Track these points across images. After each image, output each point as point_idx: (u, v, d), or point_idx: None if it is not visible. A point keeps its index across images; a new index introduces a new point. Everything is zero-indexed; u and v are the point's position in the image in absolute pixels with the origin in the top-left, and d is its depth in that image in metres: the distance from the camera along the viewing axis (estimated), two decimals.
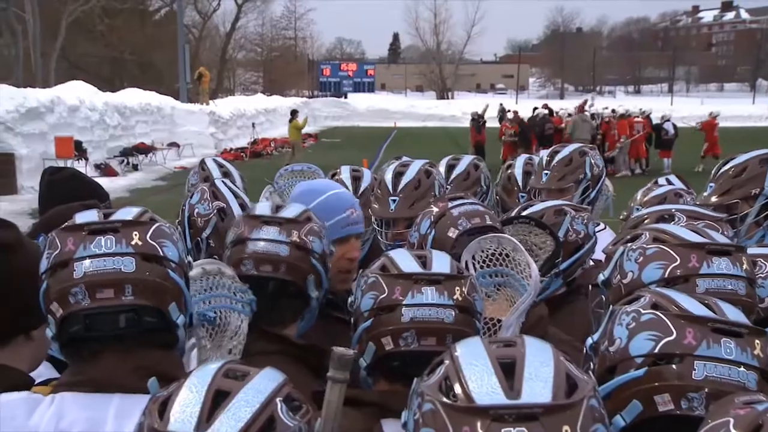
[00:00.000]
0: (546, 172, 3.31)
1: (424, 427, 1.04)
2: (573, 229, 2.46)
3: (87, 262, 1.42)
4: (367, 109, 51.88)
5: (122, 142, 22.89)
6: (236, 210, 2.70)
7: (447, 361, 1.11)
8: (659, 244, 1.70)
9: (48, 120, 18.74)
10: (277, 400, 1.10)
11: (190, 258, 1.60)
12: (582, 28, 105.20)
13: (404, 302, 1.58)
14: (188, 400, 1.08)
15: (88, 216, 1.50)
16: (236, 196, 2.80)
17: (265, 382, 1.13)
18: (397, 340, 1.58)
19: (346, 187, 2.99)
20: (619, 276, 1.73)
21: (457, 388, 1.05)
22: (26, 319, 1.67)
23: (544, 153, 3.54)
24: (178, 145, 25.59)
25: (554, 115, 24.56)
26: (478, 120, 23.33)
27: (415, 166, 2.89)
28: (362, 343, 1.64)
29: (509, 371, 1.06)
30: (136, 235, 1.45)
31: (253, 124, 32.36)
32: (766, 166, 2.63)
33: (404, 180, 2.82)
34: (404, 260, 1.67)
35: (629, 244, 1.76)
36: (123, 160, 22.08)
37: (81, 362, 1.47)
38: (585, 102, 25.53)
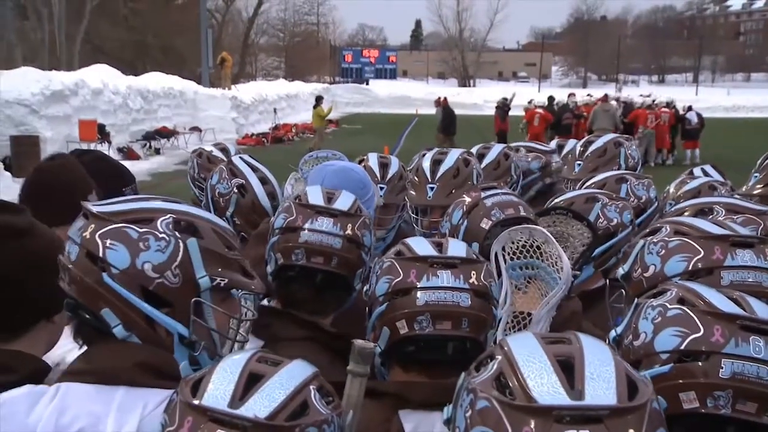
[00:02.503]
0: (579, 162, 3.24)
1: (479, 425, 0.98)
2: (604, 217, 2.41)
3: (67, 242, 1.46)
4: (389, 95, 51.71)
5: (145, 126, 23.00)
6: (255, 184, 2.70)
7: (499, 356, 1.05)
8: (681, 237, 1.68)
9: (72, 103, 18.86)
10: (311, 387, 1.11)
11: (205, 275, 1.42)
12: (606, 16, 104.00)
13: (419, 285, 1.56)
14: (222, 379, 1.08)
15: (120, 199, 1.49)
16: (255, 170, 2.78)
17: (299, 369, 1.13)
18: (411, 324, 1.55)
19: (374, 174, 2.98)
20: (640, 269, 1.71)
21: (515, 386, 0.99)
22: (48, 303, 1.64)
23: (570, 142, 3.49)
24: (200, 130, 25.66)
25: (576, 105, 24.07)
26: (503, 108, 23.15)
27: (454, 154, 2.88)
28: (377, 328, 1.62)
29: (568, 369, 1.00)
30: (90, 227, 1.40)
31: (275, 110, 32.39)
32: None
33: (443, 168, 2.80)
34: (420, 245, 1.65)
35: (649, 237, 1.74)
36: (145, 144, 22.20)
37: (88, 347, 1.46)
38: (606, 96, 24.94)
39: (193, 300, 1.42)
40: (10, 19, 30.49)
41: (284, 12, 73.33)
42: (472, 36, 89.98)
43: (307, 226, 1.96)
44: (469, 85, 76.20)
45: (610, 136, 3.44)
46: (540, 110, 22.22)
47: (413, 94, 52.95)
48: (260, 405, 1.04)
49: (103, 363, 1.41)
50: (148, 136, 22.59)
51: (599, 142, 3.31)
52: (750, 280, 1.60)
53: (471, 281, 1.56)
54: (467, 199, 2.21)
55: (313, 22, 79.16)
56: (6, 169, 14.62)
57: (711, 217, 2.10)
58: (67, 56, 34.31)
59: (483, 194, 2.20)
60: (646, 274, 1.69)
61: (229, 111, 28.26)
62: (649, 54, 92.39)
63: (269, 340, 1.90)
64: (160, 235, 1.40)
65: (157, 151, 22.30)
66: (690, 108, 23.03)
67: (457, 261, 1.59)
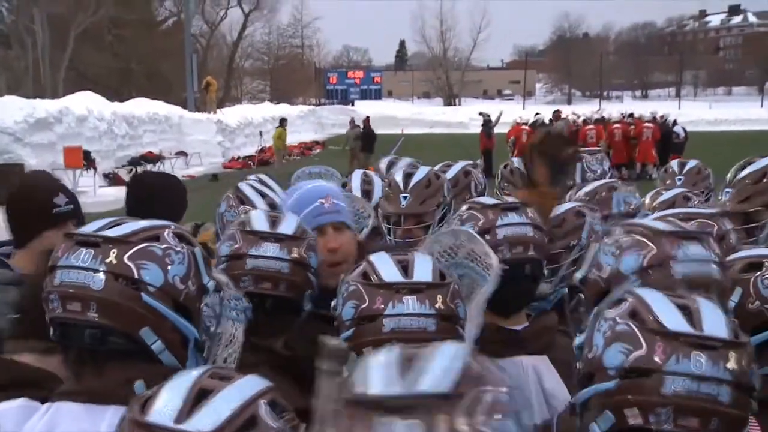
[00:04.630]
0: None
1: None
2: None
3: (65, 271, 1.41)
4: (374, 116, 51.80)
5: (130, 152, 22.99)
6: (263, 209, 2.66)
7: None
8: (632, 235, 1.74)
9: (56, 130, 18.85)
10: (261, 401, 1.09)
11: (210, 279, 1.53)
12: (588, 33, 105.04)
13: (385, 312, 1.56)
14: (171, 396, 1.08)
15: (97, 224, 1.48)
16: (263, 195, 2.75)
17: (249, 383, 1.12)
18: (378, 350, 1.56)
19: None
20: (596, 270, 1.75)
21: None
22: None
23: None
24: (185, 154, 25.69)
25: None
26: (487, 125, 23.28)
27: (424, 169, 2.91)
28: None
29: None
30: (113, 253, 1.41)
31: (261, 133, 32.46)
32: None
33: (415, 178, 2.81)
34: (385, 267, 1.65)
35: (604, 239, 1.81)
36: (131, 170, 22.12)
37: (79, 370, 1.46)
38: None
39: (202, 305, 1.50)
40: None
41: (268, 35, 73.67)
42: (456, 55, 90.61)
43: (252, 252, 1.95)
44: (455, 104, 76.59)
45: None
46: (525, 127, 22.45)
47: (399, 114, 53.21)
48: (206, 420, 1.03)
49: (93, 383, 1.42)
50: (134, 162, 22.54)
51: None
52: (703, 270, 1.66)
53: (437, 306, 1.57)
54: (481, 218, 2.07)
55: (297, 45, 79.53)
56: None
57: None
58: (52, 84, 34.30)
59: (500, 220, 2.06)
60: (603, 275, 1.73)
61: (215, 135, 28.28)
62: (631, 70, 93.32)
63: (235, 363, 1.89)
64: (177, 249, 1.46)
65: None
66: (675, 122, 23.21)
67: (423, 286, 1.59)
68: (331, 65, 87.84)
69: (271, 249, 1.95)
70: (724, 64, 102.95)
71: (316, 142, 36.61)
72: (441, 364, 0.98)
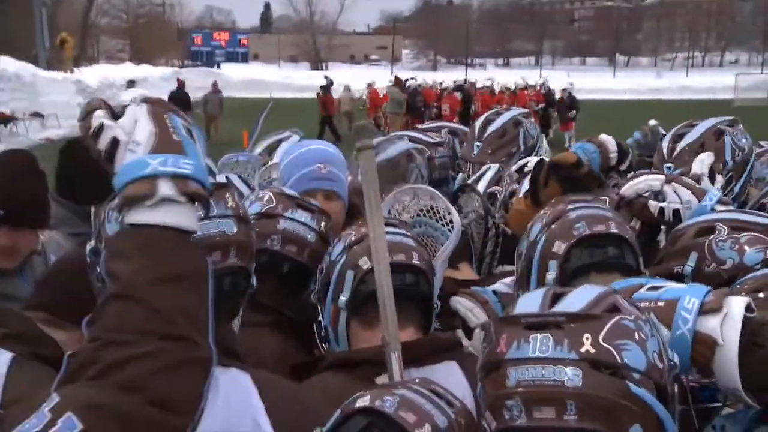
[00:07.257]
0: (477, 144, 3.18)
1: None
2: None
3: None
4: (242, 80, 50.63)
5: None
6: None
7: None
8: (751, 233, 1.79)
9: None
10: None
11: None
12: (453, 0, 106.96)
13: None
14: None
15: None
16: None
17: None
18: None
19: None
20: (715, 264, 1.79)
21: None
22: None
23: (477, 122, 3.37)
24: (41, 116, 24.01)
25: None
26: (328, 88, 23.63)
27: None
28: (341, 280, 1.61)
29: None
30: (227, 196, 1.51)
31: None
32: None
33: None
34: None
35: (711, 236, 1.82)
36: None
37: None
38: (397, 77, 26.80)
39: None
40: None
41: None
42: (323, 19, 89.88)
43: (286, 214, 1.99)
44: (322, 68, 76.01)
45: (511, 114, 3.31)
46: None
47: (267, 78, 52.20)
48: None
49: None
50: None
51: (498, 123, 3.23)
52: None
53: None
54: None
55: (158, 3, 75.94)
56: None
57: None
58: None
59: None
60: (724, 267, 1.77)
61: (74, 95, 26.61)
62: (494, 38, 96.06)
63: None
64: None
65: None
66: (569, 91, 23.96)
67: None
68: (194, 26, 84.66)
69: (304, 216, 1.97)
70: (578, 36, 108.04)
71: None
72: (577, 296, 1.11)
